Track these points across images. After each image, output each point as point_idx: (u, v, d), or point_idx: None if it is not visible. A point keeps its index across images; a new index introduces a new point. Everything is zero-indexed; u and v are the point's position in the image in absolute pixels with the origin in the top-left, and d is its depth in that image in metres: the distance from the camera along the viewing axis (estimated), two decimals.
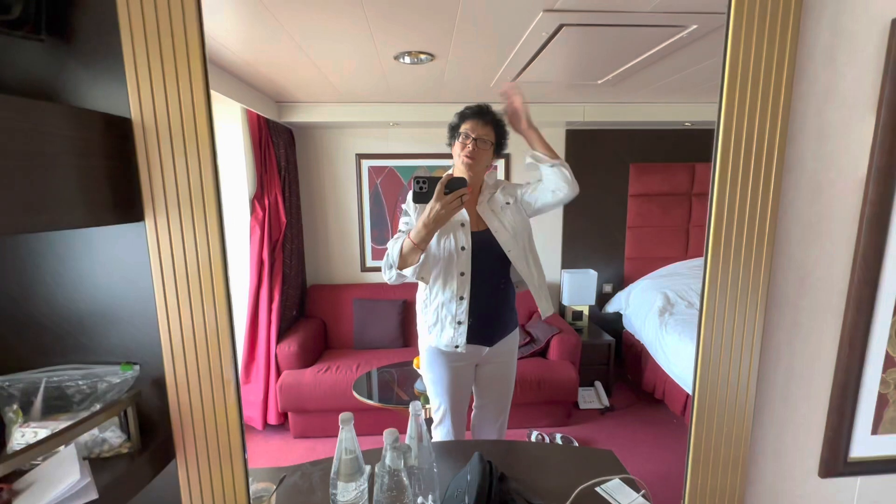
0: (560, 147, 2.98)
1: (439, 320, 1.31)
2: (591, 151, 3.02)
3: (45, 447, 0.49)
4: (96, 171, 0.51)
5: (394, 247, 1.20)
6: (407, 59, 1.62)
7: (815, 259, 0.67)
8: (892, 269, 0.68)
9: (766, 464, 0.71)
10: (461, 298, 1.25)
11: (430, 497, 0.86)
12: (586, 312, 3.05)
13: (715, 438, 0.63)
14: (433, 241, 1.24)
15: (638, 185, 3.08)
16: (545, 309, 1.34)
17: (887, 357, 0.72)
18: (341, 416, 0.79)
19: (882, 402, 0.73)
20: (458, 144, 1.30)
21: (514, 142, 2.97)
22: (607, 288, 3.22)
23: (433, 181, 1.14)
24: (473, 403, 1.49)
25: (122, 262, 0.59)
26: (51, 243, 0.58)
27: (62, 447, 0.52)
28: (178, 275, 0.57)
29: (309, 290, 2.91)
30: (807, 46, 0.61)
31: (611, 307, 3.15)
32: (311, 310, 2.86)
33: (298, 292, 2.83)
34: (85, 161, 0.49)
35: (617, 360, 2.86)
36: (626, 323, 3.03)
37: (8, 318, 0.59)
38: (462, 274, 1.25)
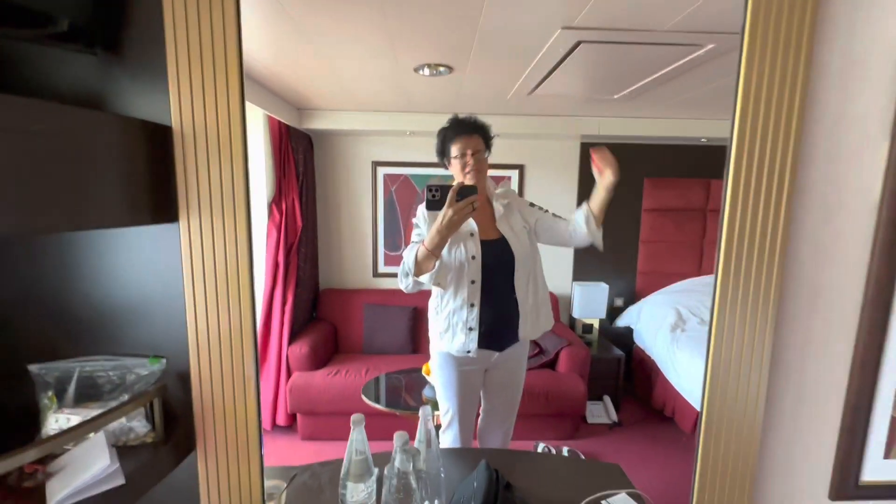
0: (575, 160, 2.99)
1: (451, 326, 1.33)
2: None
3: (77, 433, 0.52)
4: (137, 174, 0.54)
5: (409, 255, 1.23)
6: (426, 72, 1.66)
7: (826, 279, 0.67)
8: None
9: (775, 484, 0.71)
10: (472, 305, 1.27)
11: (436, 501, 0.87)
12: (596, 326, 3.03)
13: (723, 456, 0.64)
14: (444, 250, 1.26)
15: (652, 199, 3.06)
16: (526, 333, 1.34)
17: None
18: (353, 417, 0.81)
19: (895, 425, 0.72)
20: (455, 165, 1.33)
21: (529, 154, 2.99)
22: (618, 302, 3.20)
23: (445, 189, 1.17)
24: (480, 408, 1.50)
25: (155, 260, 0.62)
26: (91, 240, 0.62)
27: (93, 434, 0.55)
28: (207, 274, 0.60)
29: (321, 294, 2.95)
30: (819, 71, 0.62)
31: (621, 321, 3.12)
32: (322, 313, 2.90)
33: (311, 295, 2.87)
34: (128, 165, 0.53)
35: (626, 375, 2.82)
36: (636, 338, 3.00)
37: (48, 309, 0.62)
38: (473, 282, 1.27)
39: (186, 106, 0.56)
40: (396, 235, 3.01)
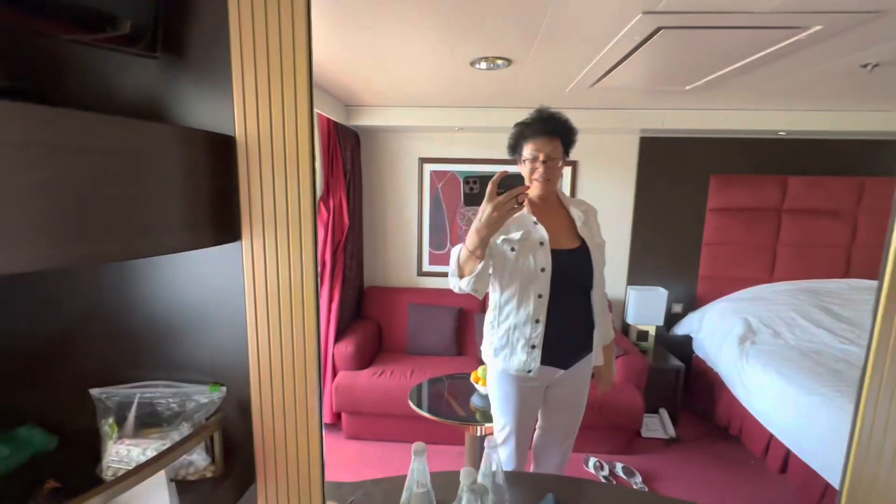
0: (633, 156, 2.79)
1: (510, 343, 1.21)
2: (666, 161, 2.78)
3: (141, 475, 0.48)
4: (200, 191, 0.49)
5: (454, 254, 1.12)
6: (483, 65, 1.56)
7: None
8: None
9: None
10: (536, 321, 1.16)
11: None
12: (653, 333, 2.81)
13: None
14: (509, 260, 1.14)
15: (718, 198, 2.79)
16: (598, 349, 1.28)
17: None
18: (414, 446, 0.75)
19: None
20: (525, 167, 1.19)
21: (584, 150, 2.82)
22: (677, 308, 2.96)
23: (485, 180, 0.97)
24: (537, 424, 1.39)
25: (217, 279, 0.57)
26: (151, 261, 0.58)
27: (160, 472, 0.51)
28: (270, 296, 0.55)
29: (365, 292, 2.92)
30: None
31: (680, 329, 2.88)
32: (366, 311, 2.87)
33: (356, 293, 2.85)
34: (189, 182, 0.48)
35: (685, 388, 2.61)
36: (696, 347, 2.77)
37: (110, 330, 0.60)
38: (540, 296, 1.15)
39: (251, 113, 0.51)
40: (442, 234, 2.92)
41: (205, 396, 0.58)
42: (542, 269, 1.14)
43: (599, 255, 1.22)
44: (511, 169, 1.22)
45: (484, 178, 0.97)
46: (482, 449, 0.82)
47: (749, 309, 2.62)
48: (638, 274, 2.92)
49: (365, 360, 2.50)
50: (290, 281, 0.54)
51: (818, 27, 1.14)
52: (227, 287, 0.57)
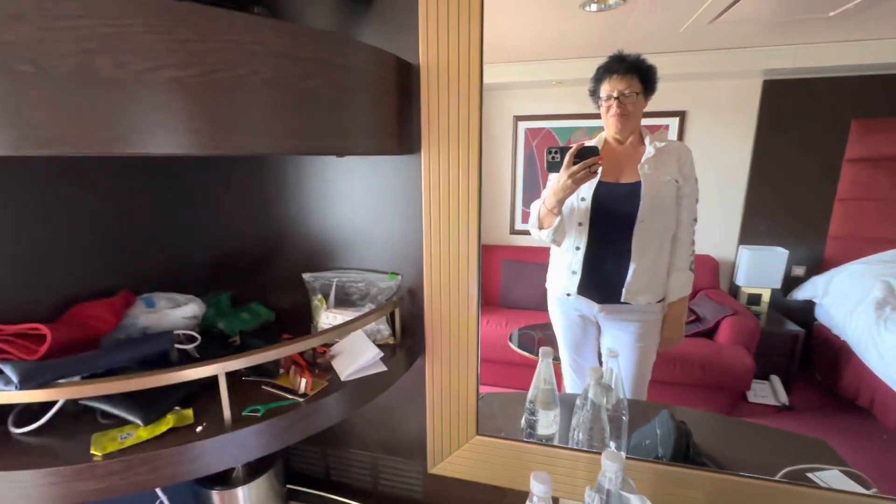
0: (753, 103, 2.50)
1: (558, 268, 1.33)
2: (796, 106, 2.44)
3: (350, 327, 0.64)
4: (388, 106, 0.61)
5: (534, 207, 1.26)
6: (594, 7, 1.52)
7: None
8: None
9: None
10: (577, 248, 1.25)
11: (615, 443, 0.88)
12: (766, 297, 2.59)
13: None
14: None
15: (861, 146, 2.41)
16: (630, 294, 1.22)
17: None
18: (542, 349, 0.85)
19: None
20: (602, 109, 1.26)
21: (692, 98, 2.61)
22: (798, 270, 2.67)
23: (565, 151, 1.15)
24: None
25: (395, 188, 0.71)
26: (342, 170, 0.73)
27: (359, 330, 0.67)
28: (443, 201, 0.67)
29: None
30: None
31: (800, 293, 2.60)
32: None
33: None
34: (381, 97, 0.60)
35: (803, 357, 2.38)
36: (819, 313, 2.49)
37: (313, 230, 0.77)
38: (580, 224, 1.24)
39: (433, 45, 0.61)
40: (535, 192, 2.92)
41: (385, 283, 0.73)
42: (583, 199, 1.22)
43: (655, 191, 1.22)
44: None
45: (564, 150, 1.14)
46: None
47: (893, 271, 2.30)
48: (752, 231, 2.68)
49: None
50: (458, 188, 0.66)
51: None
52: (405, 196, 0.71)
